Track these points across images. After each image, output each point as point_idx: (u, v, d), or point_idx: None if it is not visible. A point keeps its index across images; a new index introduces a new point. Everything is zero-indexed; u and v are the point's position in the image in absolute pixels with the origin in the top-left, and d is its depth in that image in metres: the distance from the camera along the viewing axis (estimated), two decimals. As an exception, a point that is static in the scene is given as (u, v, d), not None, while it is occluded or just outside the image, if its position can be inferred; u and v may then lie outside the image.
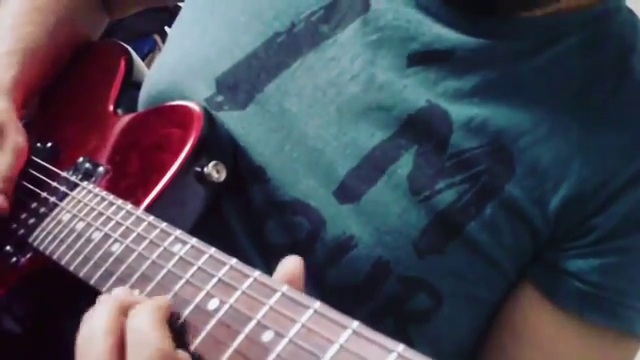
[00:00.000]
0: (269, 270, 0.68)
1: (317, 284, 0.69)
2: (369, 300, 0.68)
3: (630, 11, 0.73)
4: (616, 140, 0.67)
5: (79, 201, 0.69)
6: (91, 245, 0.63)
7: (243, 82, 0.73)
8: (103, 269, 0.60)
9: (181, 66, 0.77)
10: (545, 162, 0.67)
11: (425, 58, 0.70)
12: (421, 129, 0.68)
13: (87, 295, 0.61)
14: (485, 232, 0.67)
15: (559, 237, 0.68)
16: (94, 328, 0.51)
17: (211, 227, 0.68)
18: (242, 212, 0.71)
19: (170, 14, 1.66)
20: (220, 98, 0.73)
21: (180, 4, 0.87)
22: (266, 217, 0.71)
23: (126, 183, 0.71)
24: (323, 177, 0.69)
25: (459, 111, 0.68)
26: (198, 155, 0.68)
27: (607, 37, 0.70)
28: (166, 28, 1.87)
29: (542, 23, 0.69)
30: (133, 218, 0.62)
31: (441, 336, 0.71)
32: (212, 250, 0.54)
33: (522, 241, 0.68)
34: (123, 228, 0.62)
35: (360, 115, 0.70)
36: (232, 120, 0.72)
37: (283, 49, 0.74)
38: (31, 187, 0.77)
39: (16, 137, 0.78)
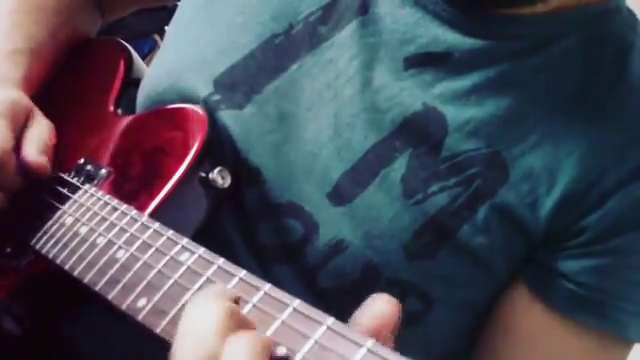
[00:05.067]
0: (265, 273, 0.69)
1: (309, 286, 0.69)
2: (358, 302, 0.68)
3: (630, 11, 0.73)
4: (610, 139, 0.67)
5: (82, 204, 0.69)
6: (95, 250, 0.63)
7: (241, 83, 0.73)
8: (109, 276, 0.60)
9: (179, 67, 0.77)
10: (539, 167, 0.67)
11: (422, 61, 0.70)
12: (416, 132, 0.68)
13: (87, 298, 0.61)
14: (477, 236, 0.67)
15: (552, 238, 0.68)
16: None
17: (206, 228, 0.69)
18: (237, 212, 0.71)
19: (169, 14, 1.64)
20: (217, 97, 0.73)
21: (179, 3, 0.86)
22: (260, 218, 0.71)
23: (129, 186, 0.71)
24: (318, 180, 0.69)
25: (455, 114, 0.68)
26: (202, 160, 0.68)
27: (606, 37, 0.70)
28: (166, 28, 1.85)
29: (540, 22, 0.69)
30: (138, 225, 0.61)
31: (432, 339, 0.71)
32: (220, 261, 0.54)
33: (514, 245, 0.68)
34: (128, 235, 0.61)
35: (356, 117, 0.70)
36: (229, 120, 0.72)
37: (281, 51, 0.74)
38: (32, 187, 0.76)
39: (44, 119, 0.79)
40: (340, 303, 0.67)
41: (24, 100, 0.79)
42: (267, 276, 0.54)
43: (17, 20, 0.88)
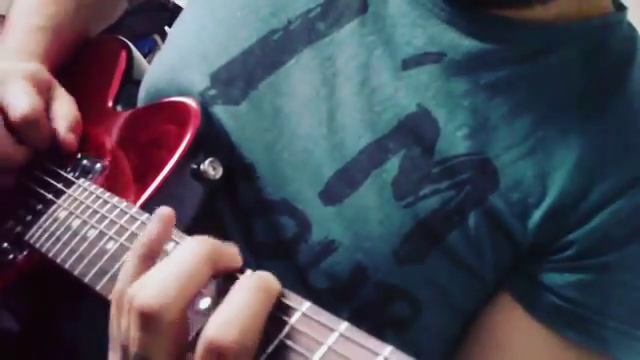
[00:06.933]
0: (258, 267, 0.68)
1: (300, 285, 0.69)
2: (348, 304, 0.68)
3: (630, 25, 0.72)
4: (601, 154, 0.66)
5: (75, 198, 0.69)
6: (86, 243, 0.63)
7: (238, 78, 0.73)
8: (97, 267, 0.60)
9: (178, 62, 0.77)
10: (530, 177, 0.66)
11: (419, 61, 0.69)
12: (410, 134, 0.68)
13: (86, 293, 0.61)
14: (466, 242, 0.66)
15: (538, 250, 0.67)
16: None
17: (204, 222, 0.68)
18: (233, 208, 0.71)
19: (170, 14, 1.65)
20: (213, 92, 0.73)
21: (181, 4, 0.87)
22: (255, 215, 0.70)
23: (123, 180, 0.71)
24: (310, 178, 0.69)
25: (448, 117, 0.67)
26: (194, 152, 0.68)
27: (606, 50, 0.69)
28: (166, 28, 1.86)
29: (540, 30, 0.68)
30: (127, 216, 0.62)
31: (419, 344, 0.70)
32: None
33: (502, 253, 0.67)
34: (117, 226, 0.62)
35: (351, 117, 0.69)
36: (225, 115, 0.72)
37: (279, 46, 0.73)
38: (29, 184, 0.77)
39: (67, 94, 0.82)
40: (329, 303, 0.67)
41: (45, 73, 0.82)
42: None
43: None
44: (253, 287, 0.46)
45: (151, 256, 0.51)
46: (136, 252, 0.51)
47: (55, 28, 0.88)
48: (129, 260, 0.52)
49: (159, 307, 0.46)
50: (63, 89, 0.82)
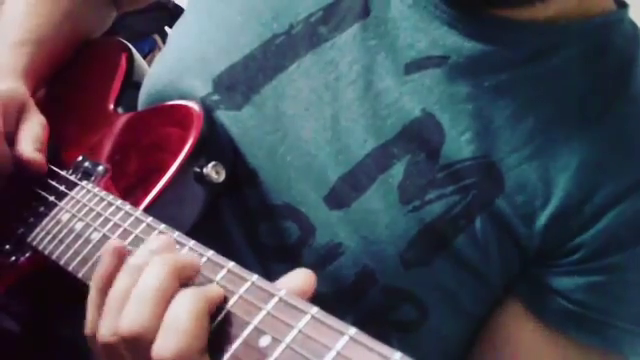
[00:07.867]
0: (265, 271, 0.69)
1: None
2: (353, 308, 0.68)
3: (632, 23, 0.72)
4: (606, 155, 0.66)
5: (78, 201, 0.69)
6: (90, 246, 0.63)
7: (240, 83, 0.73)
8: None
9: (179, 65, 0.77)
10: (534, 179, 0.66)
11: (421, 65, 0.69)
12: (415, 139, 0.68)
13: (87, 295, 0.62)
14: (473, 246, 0.66)
15: (545, 254, 0.67)
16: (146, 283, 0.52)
17: (208, 226, 0.69)
18: (238, 212, 0.71)
19: (170, 14, 1.65)
20: (216, 97, 0.73)
21: (181, 4, 0.87)
22: (259, 219, 0.71)
23: (125, 182, 0.71)
24: (314, 182, 0.69)
25: (452, 121, 0.67)
26: (197, 155, 0.68)
27: (608, 50, 0.69)
28: (166, 28, 1.86)
29: (540, 30, 0.68)
30: (132, 219, 0.62)
31: (426, 348, 0.70)
32: (210, 253, 0.54)
33: (509, 256, 0.67)
34: (122, 229, 0.62)
35: (355, 121, 0.69)
36: (227, 120, 0.72)
37: (281, 51, 0.73)
38: (31, 185, 0.77)
39: (38, 114, 0.81)
40: (334, 307, 0.67)
41: (19, 92, 0.81)
42: (267, 275, 0.55)
43: (25, 10, 0.89)
44: (188, 295, 0.50)
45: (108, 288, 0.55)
46: (97, 286, 0.56)
47: (39, 40, 0.87)
48: (92, 294, 0.56)
49: (141, 328, 0.50)
50: (35, 109, 0.81)
